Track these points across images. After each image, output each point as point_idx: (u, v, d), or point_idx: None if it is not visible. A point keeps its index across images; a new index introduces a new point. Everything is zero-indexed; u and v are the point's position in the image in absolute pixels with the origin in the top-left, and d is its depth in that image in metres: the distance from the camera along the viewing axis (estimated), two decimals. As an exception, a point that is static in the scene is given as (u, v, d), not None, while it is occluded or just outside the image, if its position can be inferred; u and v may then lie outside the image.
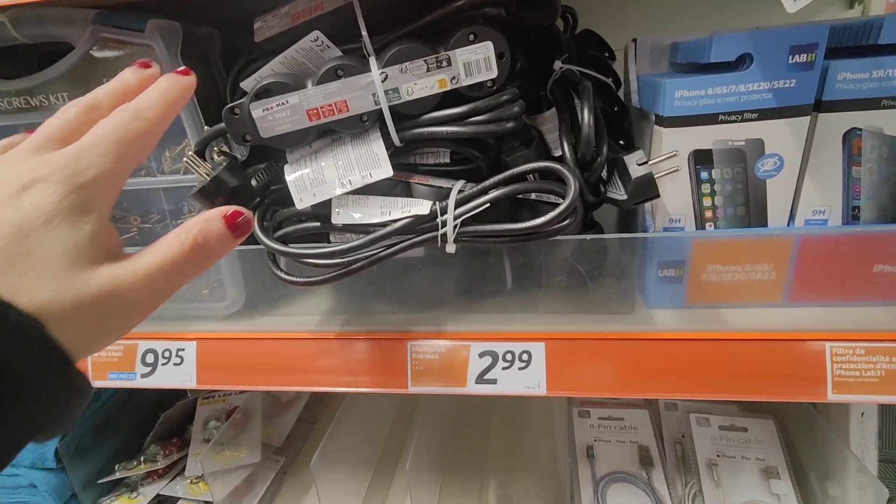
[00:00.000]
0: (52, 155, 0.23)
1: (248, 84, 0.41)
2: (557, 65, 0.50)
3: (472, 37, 0.39)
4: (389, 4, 0.42)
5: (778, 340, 0.43)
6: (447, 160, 0.47)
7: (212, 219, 0.26)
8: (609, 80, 0.52)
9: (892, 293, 0.44)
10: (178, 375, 0.52)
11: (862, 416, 0.60)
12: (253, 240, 0.45)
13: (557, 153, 0.47)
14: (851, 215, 0.43)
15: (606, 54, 0.57)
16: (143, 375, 0.53)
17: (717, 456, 0.66)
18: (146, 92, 0.27)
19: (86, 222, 0.22)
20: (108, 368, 0.54)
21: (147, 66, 0.29)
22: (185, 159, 0.40)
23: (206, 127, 0.47)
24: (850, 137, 0.41)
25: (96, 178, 0.23)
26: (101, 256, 0.23)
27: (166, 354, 0.52)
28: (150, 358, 0.53)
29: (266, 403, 0.81)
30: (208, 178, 0.41)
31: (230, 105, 0.39)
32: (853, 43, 0.41)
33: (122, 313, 0.23)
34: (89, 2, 0.46)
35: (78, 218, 0.22)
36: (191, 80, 0.28)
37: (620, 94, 0.54)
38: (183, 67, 0.29)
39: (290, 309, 0.54)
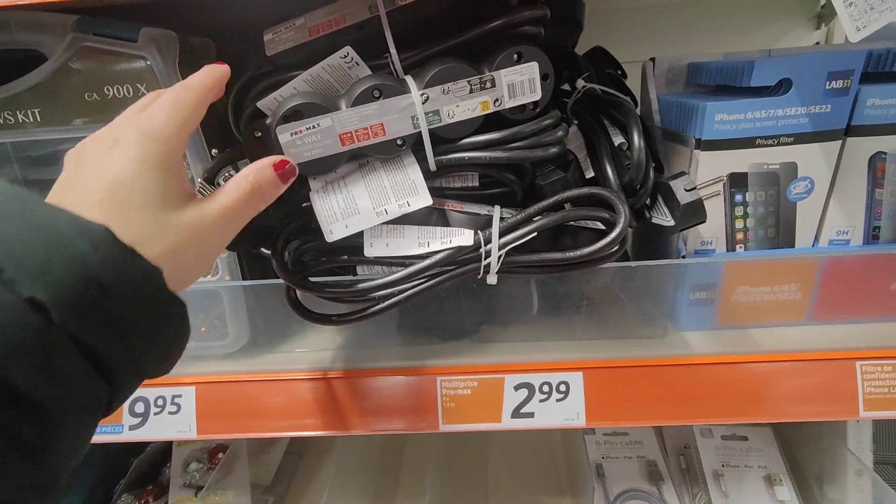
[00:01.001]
0: (132, 118, 0.28)
1: (266, 104, 0.37)
2: (580, 83, 0.48)
3: (517, 56, 0.36)
4: (418, 18, 0.39)
5: (811, 361, 0.43)
6: (475, 183, 0.44)
7: (264, 167, 0.30)
8: (628, 100, 0.52)
9: (909, 309, 0.46)
10: (175, 425, 0.46)
11: (858, 420, 0.63)
12: (258, 271, 0.41)
13: (589, 174, 0.45)
14: (872, 235, 0.45)
15: (619, 72, 0.56)
16: (132, 427, 0.47)
17: (723, 466, 0.67)
18: (195, 74, 0.31)
19: (164, 168, 0.26)
20: (87, 421, 0.47)
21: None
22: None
23: (205, 146, 0.42)
24: (875, 161, 0.42)
25: (163, 132, 0.27)
26: (184, 199, 0.27)
27: (159, 402, 0.46)
28: (139, 407, 0.47)
29: (251, 440, 0.75)
30: (224, 210, 0.36)
31: (251, 125, 0.35)
32: (875, 69, 0.42)
33: (205, 250, 0.27)
34: (64, 6, 0.40)
35: (158, 166, 0.26)
36: (226, 68, 0.32)
37: (639, 112, 0.53)
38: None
39: (298, 344, 0.50)
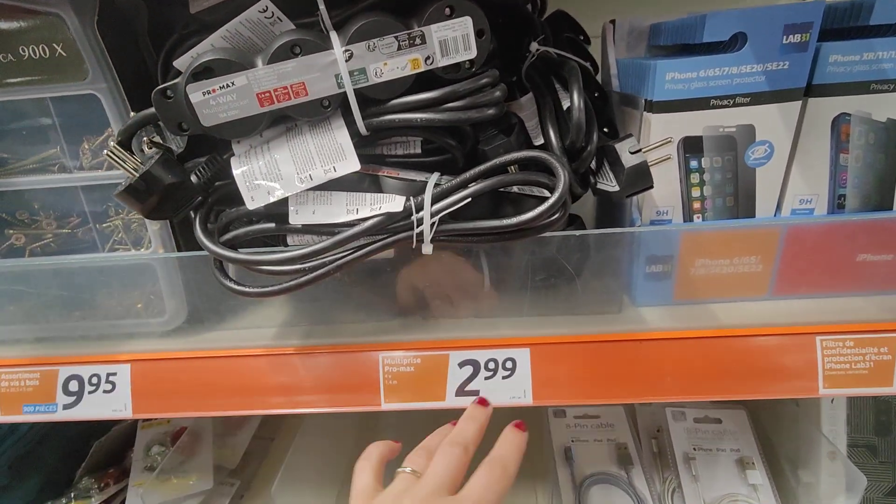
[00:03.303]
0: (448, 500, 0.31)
1: (182, 62, 0.35)
2: (534, 47, 0.46)
3: (448, 11, 0.34)
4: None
5: (770, 335, 0.41)
6: (418, 150, 0.42)
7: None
8: (587, 64, 0.49)
9: (876, 283, 0.44)
10: (110, 404, 0.45)
11: (832, 402, 0.61)
12: (196, 244, 0.39)
13: (538, 142, 0.43)
14: (837, 204, 0.42)
15: (581, 37, 0.53)
16: (66, 406, 0.45)
17: (694, 450, 0.65)
18: (506, 443, 0.35)
19: None
20: (21, 400, 0.45)
21: (485, 403, 0.39)
22: (105, 152, 0.33)
23: (132, 114, 0.40)
24: (839, 123, 0.39)
25: None
26: None
27: (94, 381, 0.45)
28: (73, 385, 0.45)
29: (217, 422, 0.74)
30: (137, 175, 0.34)
31: (162, 86, 0.33)
32: (842, 24, 0.40)
33: None
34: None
35: None
36: (526, 434, 0.37)
37: (598, 78, 0.51)
38: (517, 421, 0.37)
39: (242, 322, 0.48)
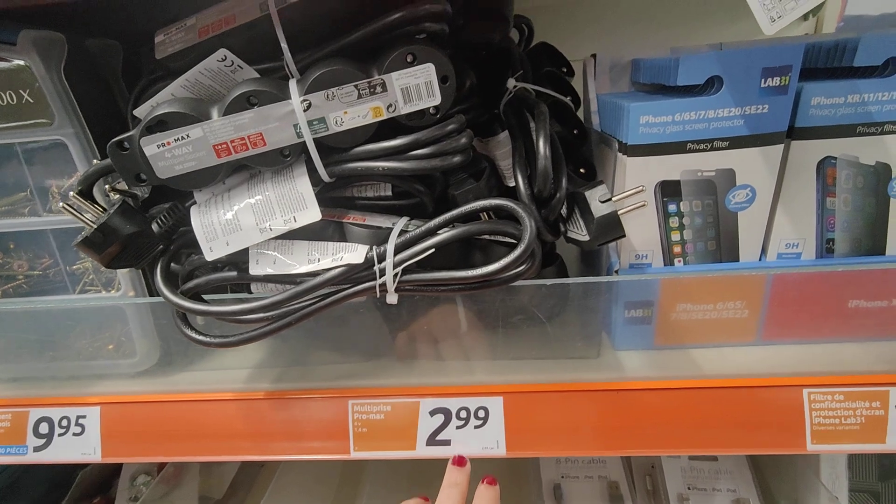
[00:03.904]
0: None
1: (142, 111, 0.34)
2: (511, 83, 0.45)
3: (410, 58, 0.33)
4: (314, 15, 0.36)
5: (754, 388, 0.39)
6: (388, 193, 0.41)
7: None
8: (567, 99, 0.48)
9: (869, 329, 0.41)
10: (79, 447, 0.44)
11: (832, 444, 0.58)
12: None
13: (512, 182, 0.42)
14: (826, 248, 0.40)
15: (564, 70, 0.52)
16: (37, 448, 0.45)
17: (689, 489, 0.62)
18: (482, 501, 0.38)
19: None
20: (-8, 442, 0.45)
21: (463, 463, 0.40)
22: (61, 204, 0.33)
23: (94, 161, 0.40)
24: (825, 167, 0.38)
25: None
26: None
27: (64, 423, 0.44)
28: (43, 428, 0.45)
29: (203, 451, 0.73)
30: (94, 226, 0.33)
31: (117, 139, 0.32)
32: (825, 64, 0.38)
33: None
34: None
35: None
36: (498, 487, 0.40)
37: (580, 113, 0.50)
38: (488, 477, 0.40)
39: (213, 363, 0.47)
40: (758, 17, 0.27)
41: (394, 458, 0.42)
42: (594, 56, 0.47)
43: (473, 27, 0.44)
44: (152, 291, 0.45)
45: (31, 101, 0.38)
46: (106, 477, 0.73)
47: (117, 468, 0.73)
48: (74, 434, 0.44)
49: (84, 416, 0.44)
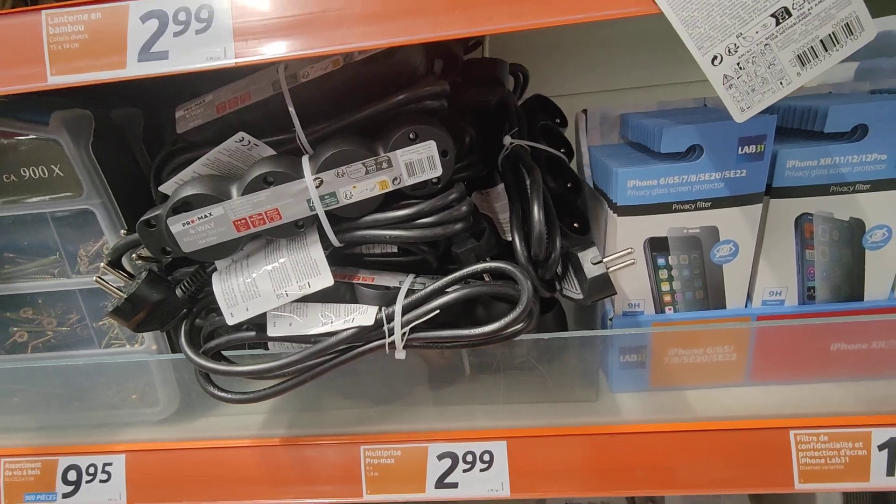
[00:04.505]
0: None
1: (168, 188, 0.37)
2: (507, 140, 0.48)
3: (412, 136, 0.36)
4: (323, 93, 0.39)
5: (744, 430, 0.41)
6: (395, 250, 0.44)
7: None
8: (561, 152, 0.51)
9: (851, 370, 0.44)
10: (106, 493, 0.47)
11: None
12: None
13: (510, 237, 0.45)
14: (807, 295, 0.43)
15: (558, 120, 0.55)
16: (65, 496, 0.47)
17: (689, 515, 0.65)
18: None
19: None
20: (23, 489, 0.48)
21: None
22: (95, 278, 0.36)
23: (122, 231, 0.42)
24: (802, 222, 0.40)
25: None
26: None
27: (91, 470, 0.47)
28: (72, 475, 0.47)
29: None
30: (124, 297, 0.36)
31: (144, 218, 0.35)
32: (799, 125, 0.41)
33: None
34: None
35: None
36: None
37: (573, 164, 0.52)
38: None
39: (230, 409, 0.50)
40: (729, 109, 0.29)
41: (405, 500, 0.44)
42: (585, 111, 0.50)
43: (471, 94, 0.47)
44: (173, 345, 0.47)
45: (62, 174, 0.41)
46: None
47: None
48: (101, 481, 0.47)
49: (110, 464, 0.47)
